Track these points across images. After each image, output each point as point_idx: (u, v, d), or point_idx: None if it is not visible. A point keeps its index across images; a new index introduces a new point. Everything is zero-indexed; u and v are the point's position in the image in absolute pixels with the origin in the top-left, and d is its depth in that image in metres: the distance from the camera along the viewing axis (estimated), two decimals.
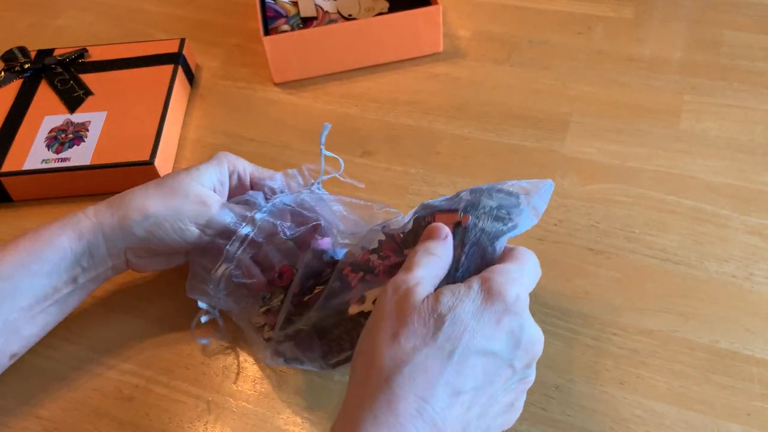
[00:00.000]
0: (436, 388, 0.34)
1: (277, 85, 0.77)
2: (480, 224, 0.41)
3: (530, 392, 0.48)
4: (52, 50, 0.78)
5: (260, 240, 0.51)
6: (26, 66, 0.76)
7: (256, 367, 0.52)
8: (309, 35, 0.75)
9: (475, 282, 0.37)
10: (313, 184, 0.55)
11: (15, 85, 0.74)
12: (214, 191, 0.52)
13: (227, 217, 0.51)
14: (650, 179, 0.63)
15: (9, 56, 0.77)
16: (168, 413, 0.49)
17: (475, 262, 0.41)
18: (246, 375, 0.51)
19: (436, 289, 0.38)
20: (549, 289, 0.55)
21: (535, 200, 0.43)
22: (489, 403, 0.36)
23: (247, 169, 0.55)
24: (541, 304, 0.54)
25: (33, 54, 0.78)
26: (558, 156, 0.66)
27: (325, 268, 0.50)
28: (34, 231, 0.49)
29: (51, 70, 0.75)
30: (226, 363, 0.52)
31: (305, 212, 0.53)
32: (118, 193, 0.65)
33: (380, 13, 0.81)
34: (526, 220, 0.42)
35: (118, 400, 0.50)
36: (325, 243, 0.51)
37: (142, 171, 0.64)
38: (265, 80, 0.78)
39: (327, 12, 0.82)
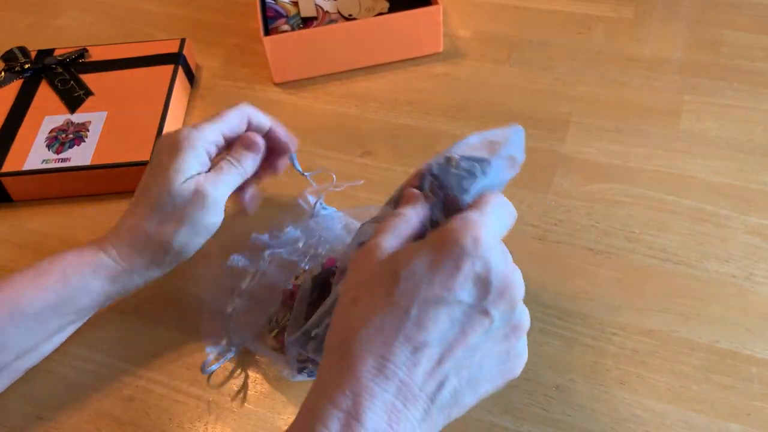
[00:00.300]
0: (394, 345, 0.33)
1: (277, 85, 0.77)
2: (445, 176, 0.40)
3: (530, 392, 0.48)
4: (52, 50, 0.78)
5: (269, 269, 0.52)
6: (26, 66, 0.76)
7: (256, 368, 0.52)
8: (309, 35, 0.75)
9: (431, 236, 0.36)
10: (315, 204, 0.55)
11: (15, 85, 0.74)
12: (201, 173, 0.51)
13: (239, 262, 0.53)
14: (650, 179, 0.63)
15: (9, 56, 0.77)
16: (168, 413, 0.49)
17: (442, 215, 0.40)
18: (247, 375, 0.51)
19: None
20: (549, 289, 0.55)
21: (507, 150, 0.41)
22: (468, 355, 0.34)
23: (214, 135, 0.51)
24: (541, 304, 0.54)
25: (33, 54, 0.78)
26: (558, 156, 0.66)
27: (329, 277, 0.50)
28: (61, 271, 0.48)
29: (51, 70, 0.75)
30: (226, 363, 0.52)
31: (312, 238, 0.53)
32: (118, 193, 0.66)
33: (380, 13, 0.81)
34: (500, 172, 0.41)
35: (118, 400, 0.50)
36: (328, 263, 0.51)
37: (142, 171, 0.64)
38: (265, 80, 0.78)
39: (327, 12, 0.82)
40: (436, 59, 0.79)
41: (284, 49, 0.74)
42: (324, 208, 0.55)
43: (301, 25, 0.80)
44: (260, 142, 0.52)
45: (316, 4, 0.82)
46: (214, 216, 0.50)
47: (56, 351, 0.53)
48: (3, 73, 0.76)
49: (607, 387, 0.49)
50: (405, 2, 0.78)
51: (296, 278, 0.52)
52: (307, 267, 0.52)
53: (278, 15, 0.82)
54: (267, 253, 0.53)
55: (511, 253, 0.55)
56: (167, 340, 0.54)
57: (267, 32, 0.78)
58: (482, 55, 0.79)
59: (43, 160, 0.65)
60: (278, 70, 0.76)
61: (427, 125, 0.71)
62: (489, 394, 0.37)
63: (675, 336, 0.51)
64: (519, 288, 0.36)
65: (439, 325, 0.34)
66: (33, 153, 0.66)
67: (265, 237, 0.53)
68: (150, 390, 0.51)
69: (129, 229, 0.50)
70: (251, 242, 0.53)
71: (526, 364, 0.50)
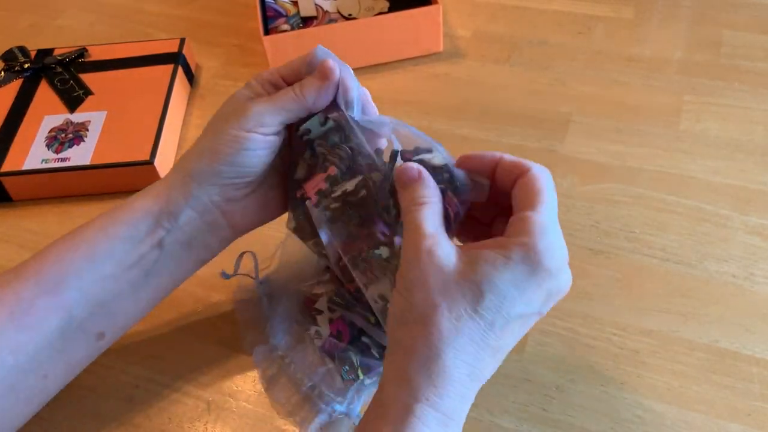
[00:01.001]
0: (481, 354, 0.37)
1: None
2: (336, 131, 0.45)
3: (530, 392, 0.48)
4: (52, 50, 0.78)
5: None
6: (26, 66, 0.76)
7: (256, 367, 0.52)
8: (309, 35, 0.75)
9: (514, 251, 0.36)
10: (255, 279, 0.55)
11: (15, 85, 0.74)
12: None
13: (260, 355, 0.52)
14: (650, 179, 0.63)
15: (9, 56, 0.77)
16: (168, 413, 0.49)
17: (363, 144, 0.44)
18: (246, 375, 0.51)
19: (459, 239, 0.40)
20: None
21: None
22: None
23: (270, 74, 0.47)
24: None
25: (33, 54, 0.78)
26: (558, 156, 0.66)
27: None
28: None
29: (51, 70, 0.75)
30: (226, 363, 0.52)
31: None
32: (118, 193, 0.66)
33: (380, 13, 0.80)
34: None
35: (118, 400, 0.50)
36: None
37: (142, 171, 0.64)
38: None
39: (327, 12, 0.82)
40: (436, 59, 0.79)
41: (284, 48, 0.74)
42: (262, 284, 0.55)
43: (301, 25, 0.80)
44: (333, 71, 0.44)
45: (315, 4, 0.82)
46: (250, 132, 0.44)
47: None
48: (3, 73, 0.76)
49: (607, 387, 0.49)
50: (405, 2, 0.78)
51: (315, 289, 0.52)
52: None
53: (278, 15, 0.81)
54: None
55: None
56: (167, 341, 0.54)
57: (267, 32, 0.78)
58: (482, 55, 0.79)
59: (43, 160, 0.65)
60: None
61: (427, 125, 0.71)
62: None
63: (675, 336, 0.51)
64: (568, 289, 0.39)
65: (514, 333, 0.38)
66: (32, 152, 0.66)
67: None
68: (149, 390, 0.51)
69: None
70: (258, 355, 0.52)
71: (526, 364, 0.50)
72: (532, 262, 0.36)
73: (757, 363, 0.49)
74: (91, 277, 0.44)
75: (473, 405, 0.48)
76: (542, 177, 0.39)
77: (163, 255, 0.46)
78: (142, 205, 0.46)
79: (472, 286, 0.36)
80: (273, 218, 0.50)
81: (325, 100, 0.45)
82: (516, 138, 0.68)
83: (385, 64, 0.78)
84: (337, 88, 0.45)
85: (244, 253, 0.54)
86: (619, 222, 0.59)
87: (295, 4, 0.83)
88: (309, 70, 0.46)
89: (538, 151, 0.67)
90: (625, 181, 0.63)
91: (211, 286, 0.57)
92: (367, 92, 0.47)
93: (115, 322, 0.46)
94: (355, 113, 0.45)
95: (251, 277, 0.55)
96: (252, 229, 0.50)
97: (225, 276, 0.55)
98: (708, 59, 0.75)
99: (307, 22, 0.81)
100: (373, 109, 0.47)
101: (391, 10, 0.81)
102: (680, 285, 0.54)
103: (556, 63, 0.77)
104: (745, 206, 0.60)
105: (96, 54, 0.78)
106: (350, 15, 0.81)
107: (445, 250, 0.37)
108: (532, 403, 0.48)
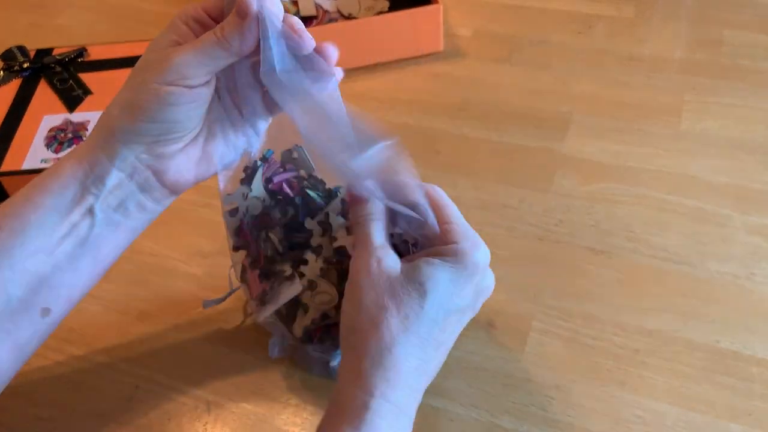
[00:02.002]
0: (427, 348, 0.41)
1: None
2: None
3: (530, 392, 0.48)
4: (51, 49, 0.78)
5: None
6: (25, 65, 0.76)
7: (256, 367, 0.52)
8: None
9: (449, 254, 0.41)
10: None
11: (14, 85, 0.74)
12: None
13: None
14: (651, 179, 0.63)
15: (8, 55, 0.77)
16: (168, 413, 0.49)
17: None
18: (246, 375, 0.51)
19: (401, 250, 0.43)
20: (549, 289, 0.55)
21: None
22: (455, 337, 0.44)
23: (193, 10, 0.44)
24: (541, 305, 0.54)
25: (32, 53, 0.78)
26: (558, 156, 0.66)
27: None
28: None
29: (50, 70, 0.75)
30: (226, 363, 0.52)
31: None
32: None
33: (380, 12, 0.80)
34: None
35: (117, 400, 0.50)
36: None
37: None
38: None
39: (327, 11, 0.82)
40: (436, 58, 0.78)
41: None
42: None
43: None
44: (249, 5, 0.39)
45: (315, 3, 0.82)
46: (172, 86, 0.40)
47: (56, 351, 0.53)
48: (2, 73, 0.76)
49: (607, 387, 0.49)
50: (405, 1, 0.78)
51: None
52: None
53: None
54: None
55: (511, 252, 0.55)
56: (166, 340, 0.54)
57: None
58: (482, 55, 0.79)
59: (42, 160, 0.65)
60: None
61: (427, 124, 0.70)
62: None
63: (676, 336, 0.51)
64: (493, 286, 0.44)
65: (454, 326, 0.42)
66: (32, 152, 0.66)
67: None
68: (149, 390, 0.51)
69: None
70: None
71: (526, 364, 0.50)
72: (464, 260, 0.41)
73: (757, 363, 0.49)
74: (23, 252, 0.41)
75: (473, 405, 0.48)
76: (436, 191, 0.44)
77: (97, 223, 0.43)
78: (67, 169, 0.42)
79: (416, 286, 0.40)
80: (212, 174, 0.46)
81: (251, 42, 0.40)
82: (516, 137, 0.68)
83: (385, 63, 0.78)
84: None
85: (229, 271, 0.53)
86: (619, 222, 0.59)
87: (295, 3, 0.83)
88: (230, 2, 0.41)
89: (538, 150, 0.66)
90: (625, 181, 0.63)
91: (210, 286, 0.57)
92: (297, 21, 0.41)
93: (58, 295, 0.43)
94: (275, 53, 0.40)
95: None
96: (191, 186, 0.45)
97: (210, 304, 0.54)
98: (709, 58, 0.75)
99: (307, 21, 0.81)
100: (308, 42, 0.41)
101: (391, 9, 0.81)
102: (680, 285, 0.54)
103: (556, 62, 0.77)
104: (746, 206, 0.60)
105: (95, 54, 0.78)
106: (350, 14, 0.81)
107: (391, 258, 0.41)
108: (532, 403, 0.48)
